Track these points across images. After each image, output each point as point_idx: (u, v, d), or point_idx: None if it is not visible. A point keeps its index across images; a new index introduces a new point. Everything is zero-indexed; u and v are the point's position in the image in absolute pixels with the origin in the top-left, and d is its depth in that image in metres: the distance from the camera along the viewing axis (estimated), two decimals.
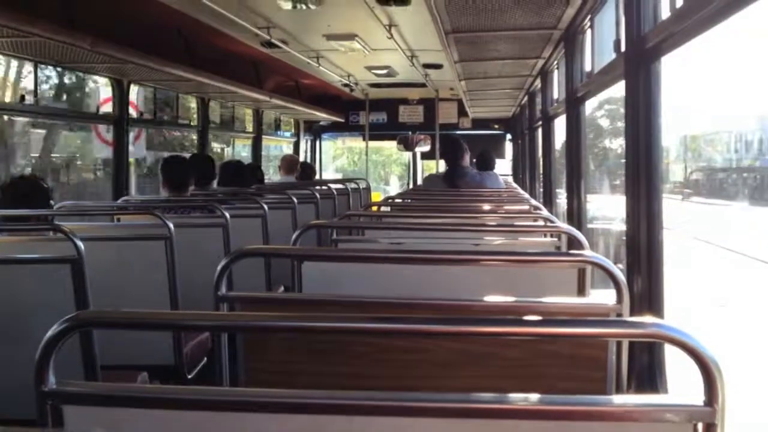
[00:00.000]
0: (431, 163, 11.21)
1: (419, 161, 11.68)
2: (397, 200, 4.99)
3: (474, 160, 6.28)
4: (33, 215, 3.13)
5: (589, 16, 3.65)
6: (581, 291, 2.29)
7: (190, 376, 3.34)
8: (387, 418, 1.10)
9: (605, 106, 22.55)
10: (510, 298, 1.81)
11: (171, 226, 3.26)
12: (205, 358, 3.58)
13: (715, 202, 25.20)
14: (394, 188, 20.23)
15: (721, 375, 1.05)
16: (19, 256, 2.62)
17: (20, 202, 3.17)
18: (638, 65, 2.30)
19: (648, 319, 1.16)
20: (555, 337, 1.44)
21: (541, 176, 6.59)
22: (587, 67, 3.80)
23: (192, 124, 7.27)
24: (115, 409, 1.12)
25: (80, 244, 2.52)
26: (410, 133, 10.96)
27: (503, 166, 11.04)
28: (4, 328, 2.48)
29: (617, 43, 2.68)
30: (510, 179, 9.07)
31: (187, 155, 6.11)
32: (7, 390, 2.26)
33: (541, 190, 6.55)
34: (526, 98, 7.84)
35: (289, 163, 7.87)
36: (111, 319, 1.20)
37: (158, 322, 1.27)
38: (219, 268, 1.80)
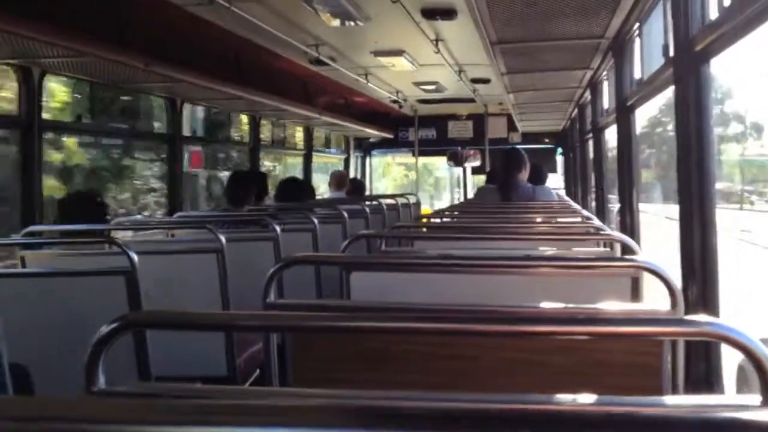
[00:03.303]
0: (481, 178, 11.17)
1: (469, 176, 11.64)
2: (447, 213, 4.97)
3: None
4: (90, 230, 3.23)
5: (637, 24, 3.60)
6: (635, 301, 2.24)
7: None
8: None
9: None
10: (561, 305, 1.78)
11: (223, 239, 3.32)
12: (258, 370, 3.61)
13: None
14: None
15: None
16: (77, 269, 2.70)
17: (78, 217, 3.27)
18: (687, 69, 2.26)
19: (701, 317, 1.13)
20: (602, 336, 1.42)
21: (593, 188, 6.50)
22: (636, 75, 3.75)
23: (244, 141, 7.39)
24: None
25: (134, 256, 2.58)
26: (459, 148, 10.94)
27: (554, 180, 10.91)
28: (62, 338, 2.55)
29: (665, 47, 2.64)
30: (562, 193, 8.97)
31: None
32: None
33: (594, 203, 6.45)
34: (575, 111, 7.77)
35: (338, 179, 7.93)
36: (159, 319, 1.23)
37: (206, 322, 1.28)
38: (268, 275, 1.82)
